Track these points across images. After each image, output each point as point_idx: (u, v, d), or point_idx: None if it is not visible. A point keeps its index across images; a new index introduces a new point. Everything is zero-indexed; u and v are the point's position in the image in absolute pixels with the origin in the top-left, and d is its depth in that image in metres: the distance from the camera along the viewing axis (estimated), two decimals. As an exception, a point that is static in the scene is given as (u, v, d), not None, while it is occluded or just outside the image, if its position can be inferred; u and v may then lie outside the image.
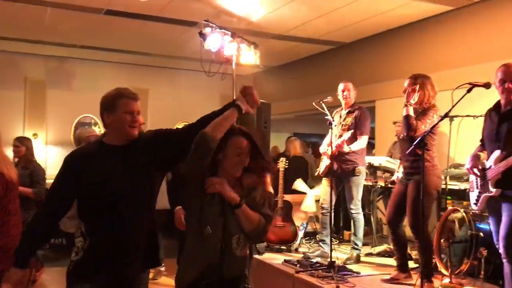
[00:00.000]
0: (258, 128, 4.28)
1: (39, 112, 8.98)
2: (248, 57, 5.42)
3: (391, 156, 5.80)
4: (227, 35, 5.22)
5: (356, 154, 4.80)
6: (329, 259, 4.28)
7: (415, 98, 3.89)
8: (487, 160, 3.34)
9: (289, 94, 9.08)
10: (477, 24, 5.67)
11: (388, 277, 4.10)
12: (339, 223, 6.43)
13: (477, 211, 3.82)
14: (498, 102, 3.33)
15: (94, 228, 2.36)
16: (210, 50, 5.21)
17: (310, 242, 5.82)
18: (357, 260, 4.83)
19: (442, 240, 4.01)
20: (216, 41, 5.17)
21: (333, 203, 4.75)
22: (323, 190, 5.12)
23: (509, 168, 3.07)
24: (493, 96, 3.39)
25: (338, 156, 4.75)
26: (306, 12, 6.23)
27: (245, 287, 2.39)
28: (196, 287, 2.26)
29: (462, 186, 4.61)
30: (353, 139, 4.76)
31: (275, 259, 4.92)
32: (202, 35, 5.23)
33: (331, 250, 4.34)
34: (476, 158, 3.40)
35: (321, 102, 4.80)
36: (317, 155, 6.66)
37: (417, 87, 3.87)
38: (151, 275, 3.37)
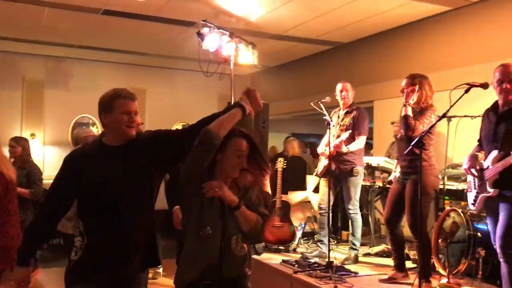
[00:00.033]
0: (256, 128, 4.27)
1: (37, 112, 8.94)
2: (246, 57, 5.42)
3: (389, 157, 5.81)
4: (225, 35, 5.22)
5: (354, 154, 4.80)
6: (327, 259, 4.29)
7: (414, 98, 3.88)
8: (484, 160, 3.35)
9: (287, 94, 9.08)
10: (477, 24, 5.67)
11: (385, 277, 4.11)
12: (337, 223, 6.43)
13: (475, 211, 3.83)
14: (496, 102, 3.33)
15: (94, 228, 2.36)
16: (208, 50, 5.21)
17: (308, 242, 5.82)
18: (355, 260, 4.83)
19: (440, 240, 4.02)
20: (214, 41, 5.18)
21: (331, 203, 4.75)
22: (321, 191, 5.12)
23: (507, 168, 3.07)
24: (491, 96, 3.39)
25: (336, 157, 4.74)
26: (304, 12, 6.22)
27: (246, 287, 2.39)
28: (196, 287, 2.26)
29: (460, 186, 4.61)
30: (351, 139, 4.76)
31: (273, 259, 4.91)
32: (200, 35, 5.23)
33: (329, 250, 4.36)
34: (474, 159, 3.40)
35: (319, 102, 4.81)
36: (315, 155, 6.66)
37: (417, 87, 3.87)
38: (150, 275, 3.38)
